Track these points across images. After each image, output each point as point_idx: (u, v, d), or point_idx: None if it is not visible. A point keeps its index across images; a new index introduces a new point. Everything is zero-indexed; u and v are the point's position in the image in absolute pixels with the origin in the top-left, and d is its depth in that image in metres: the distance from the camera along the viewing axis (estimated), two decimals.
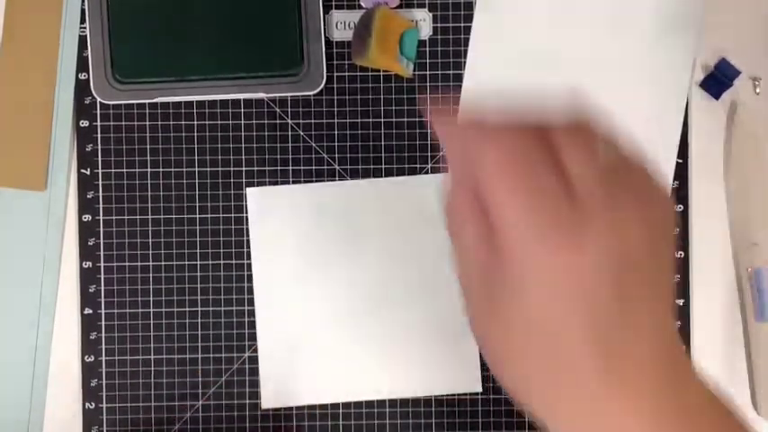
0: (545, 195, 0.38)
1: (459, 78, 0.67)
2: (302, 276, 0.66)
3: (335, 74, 0.67)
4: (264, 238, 0.66)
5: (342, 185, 0.66)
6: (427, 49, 0.67)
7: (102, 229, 0.67)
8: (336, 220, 0.66)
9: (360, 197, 0.65)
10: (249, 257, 0.67)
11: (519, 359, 0.40)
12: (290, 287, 0.66)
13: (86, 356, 0.67)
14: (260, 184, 0.67)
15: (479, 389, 0.67)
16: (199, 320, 0.67)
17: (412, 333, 0.66)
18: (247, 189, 0.65)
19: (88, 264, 0.67)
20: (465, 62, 0.67)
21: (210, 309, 0.67)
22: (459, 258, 0.41)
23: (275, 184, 0.67)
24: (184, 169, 0.67)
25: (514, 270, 0.38)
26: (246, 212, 0.66)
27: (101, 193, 0.67)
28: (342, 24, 0.67)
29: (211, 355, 0.67)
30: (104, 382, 0.67)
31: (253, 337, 0.67)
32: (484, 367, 0.67)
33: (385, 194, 0.66)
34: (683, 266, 0.67)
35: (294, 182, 0.67)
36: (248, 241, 0.67)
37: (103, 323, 0.67)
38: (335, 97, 0.67)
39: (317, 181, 0.67)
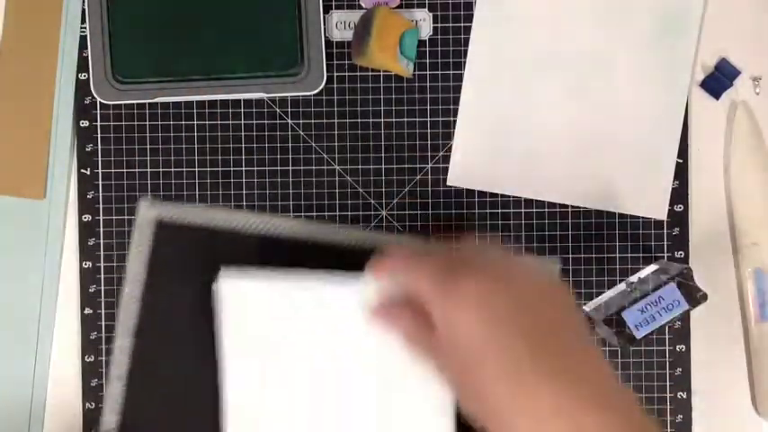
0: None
1: (459, 78, 0.67)
2: (277, 379, 0.56)
3: (335, 74, 0.67)
4: (238, 336, 0.56)
5: (320, 287, 0.55)
6: (427, 49, 0.67)
7: (102, 229, 0.67)
8: (315, 322, 0.56)
9: (339, 300, 0.55)
10: None
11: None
12: (264, 389, 0.56)
13: (86, 356, 0.67)
14: (260, 184, 0.67)
15: None
16: None
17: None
18: (220, 280, 0.55)
19: (88, 264, 0.67)
20: (465, 62, 0.67)
21: None
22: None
23: (275, 184, 0.67)
24: (184, 169, 0.67)
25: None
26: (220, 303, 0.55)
27: (101, 193, 0.67)
28: (342, 24, 0.67)
29: None
30: (104, 382, 0.67)
31: None
32: None
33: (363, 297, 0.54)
34: None
35: (294, 180, 0.67)
36: None
37: (103, 323, 0.67)
38: (335, 97, 0.67)
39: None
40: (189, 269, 0.57)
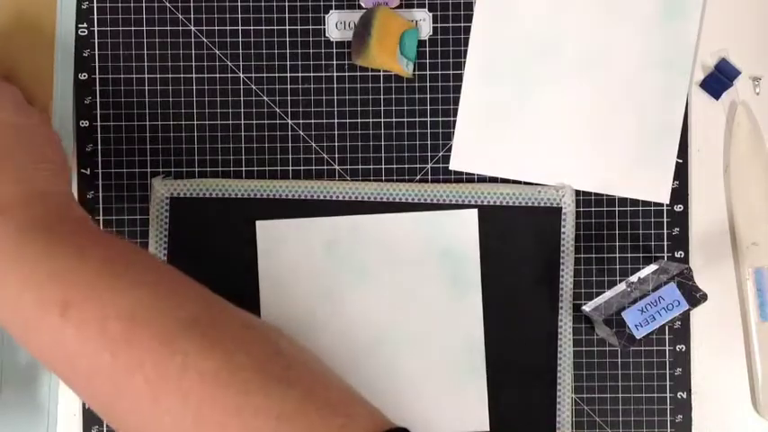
0: None
1: (459, 78, 0.67)
2: (310, 311, 0.65)
3: (335, 74, 0.67)
4: (273, 271, 0.65)
5: (351, 220, 0.65)
6: (427, 49, 0.67)
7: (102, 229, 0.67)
8: (345, 256, 0.65)
9: (369, 232, 0.65)
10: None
11: None
12: (297, 321, 0.65)
13: None
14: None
15: (486, 428, 0.66)
16: None
17: (419, 370, 0.65)
18: (257, 222, 0.65)
19: None
20: (465, 62, 0.67)
21: None
22: None
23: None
24: (184, 169, 0.67)
25: None
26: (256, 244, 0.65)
27: (101, 193, 0.67)
28: (341, 24, 0.67)
29: None
30: None
31: None
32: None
33: (394, 229, 0.65)
34: None
35: (294, 177, 0.67)
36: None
37: None
38: (335, 97, 0.67)
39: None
40: (208, 240, 0.62)
